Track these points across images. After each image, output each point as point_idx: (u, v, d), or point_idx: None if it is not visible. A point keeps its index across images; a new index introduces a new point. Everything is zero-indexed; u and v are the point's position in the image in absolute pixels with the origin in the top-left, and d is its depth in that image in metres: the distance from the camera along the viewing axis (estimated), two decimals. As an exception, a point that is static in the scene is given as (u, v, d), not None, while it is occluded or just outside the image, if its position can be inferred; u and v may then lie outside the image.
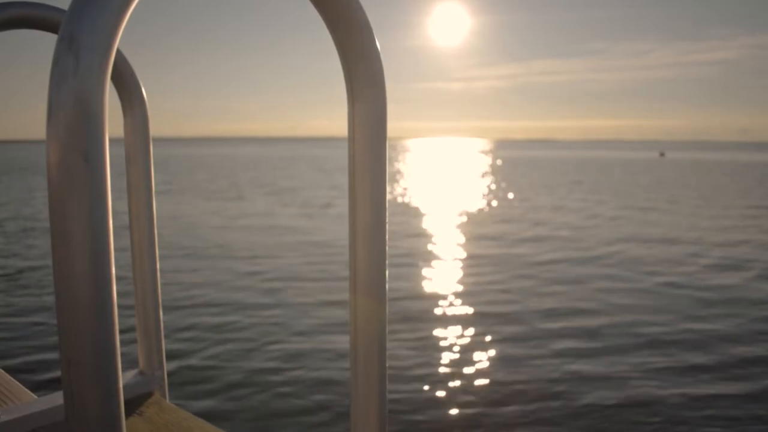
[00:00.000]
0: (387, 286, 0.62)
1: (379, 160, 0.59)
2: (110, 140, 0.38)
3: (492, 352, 4.89)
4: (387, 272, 0.62)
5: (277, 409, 3.82)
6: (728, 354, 4.87)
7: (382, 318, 0.62)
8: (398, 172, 32.18)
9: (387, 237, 0.61)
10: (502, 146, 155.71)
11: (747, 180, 27.82)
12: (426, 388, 4.18)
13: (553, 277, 7.61)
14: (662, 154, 73.65)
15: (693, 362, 4.70)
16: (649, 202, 17.13)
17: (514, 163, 46.93)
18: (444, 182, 25.17)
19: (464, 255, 9.05)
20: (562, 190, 21.45)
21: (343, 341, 5.02)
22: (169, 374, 1.19)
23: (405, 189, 21.01)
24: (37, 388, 3.79)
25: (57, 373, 4.17)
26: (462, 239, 10.67)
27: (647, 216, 13.88)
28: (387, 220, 0.60)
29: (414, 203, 16.49)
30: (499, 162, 47.67)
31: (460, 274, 7.80)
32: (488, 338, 5.22)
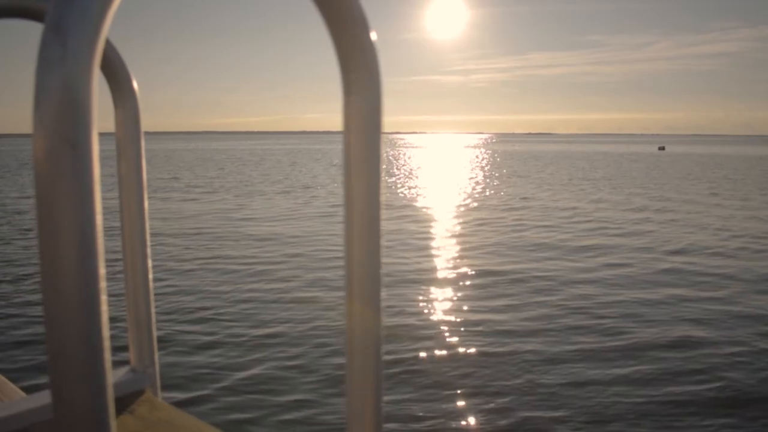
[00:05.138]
0: (382, 283, 0.61)
1: (375, 153, 0.59)
2: (100, 135, 0.37)
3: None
4: (382, 267, 0.61)
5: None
6: None
7: (378, 316, 0.61)
8: (415, 170, 29.92)
9: (381, 229, 0.60)
10: (503, 140, 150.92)
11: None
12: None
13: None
14: (662, 148, 72.40)
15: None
16: (691, 196, 16.53)
17: (521, 158, 45.03)
18: (461, 181, 22.96)
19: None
20: (588, 185, 20.22)
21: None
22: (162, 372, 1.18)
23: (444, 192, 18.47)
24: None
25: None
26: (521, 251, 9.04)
27: (699, 210, 13.43)
28: (382, 212, 0.60)
29: (443, 206, 14.88)
30: (506, 157, 46.12)
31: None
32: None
